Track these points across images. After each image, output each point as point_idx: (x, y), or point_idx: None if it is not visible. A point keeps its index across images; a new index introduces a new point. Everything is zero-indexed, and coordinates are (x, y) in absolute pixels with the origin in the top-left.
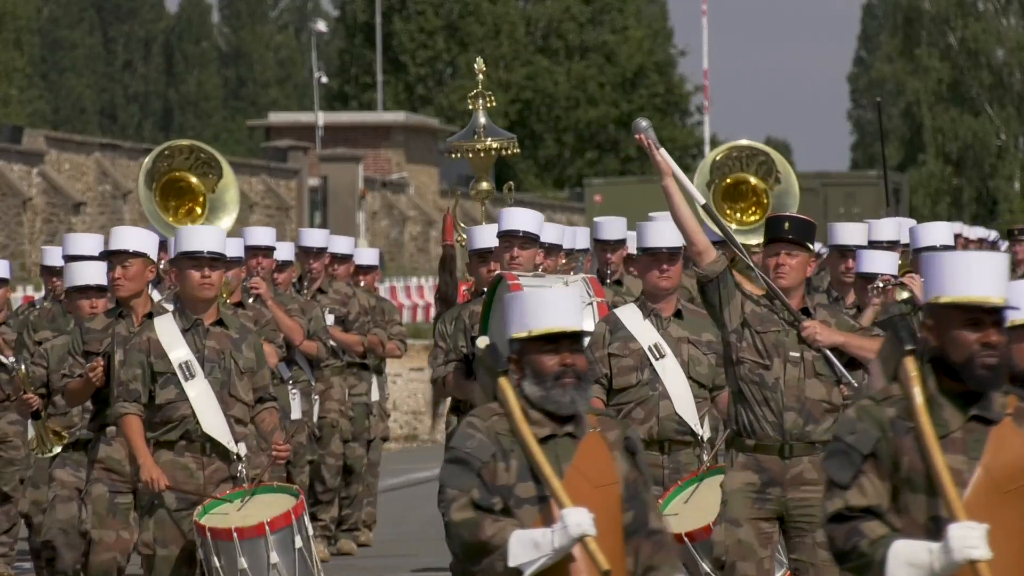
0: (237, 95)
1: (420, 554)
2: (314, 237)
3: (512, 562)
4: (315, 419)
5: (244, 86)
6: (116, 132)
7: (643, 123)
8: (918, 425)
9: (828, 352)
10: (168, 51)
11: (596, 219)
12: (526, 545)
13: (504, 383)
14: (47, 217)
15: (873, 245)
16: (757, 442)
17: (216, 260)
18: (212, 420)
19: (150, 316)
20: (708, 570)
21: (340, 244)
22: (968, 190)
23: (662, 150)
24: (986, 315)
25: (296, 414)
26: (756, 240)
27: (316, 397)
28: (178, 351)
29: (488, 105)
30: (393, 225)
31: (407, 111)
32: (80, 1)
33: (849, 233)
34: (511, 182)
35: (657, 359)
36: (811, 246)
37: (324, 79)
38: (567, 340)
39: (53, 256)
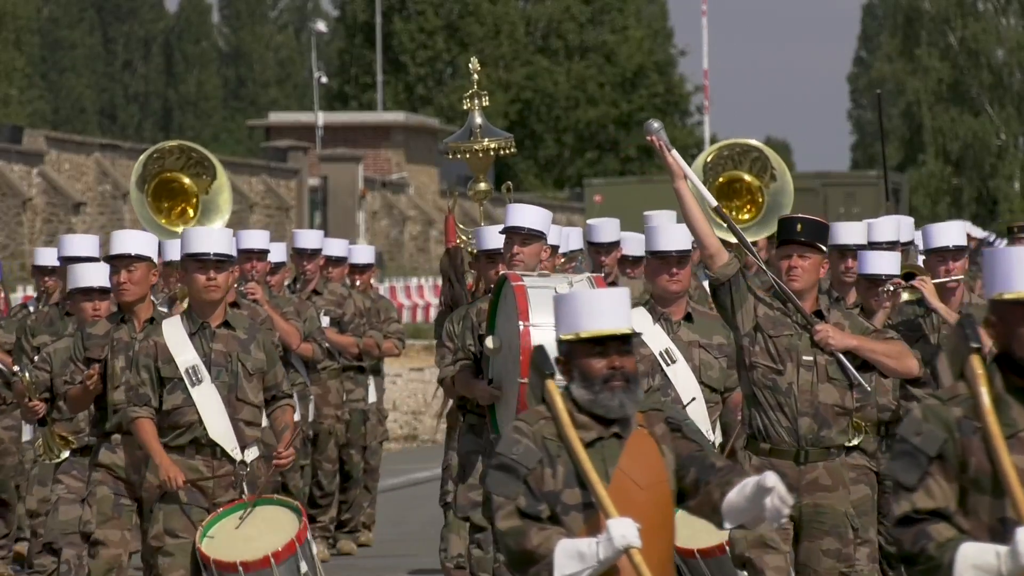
0: (237, 95)
1: (420, 554)
2: (308, 239)
3: (557, 573)
4: (310, 422)
5: (244, 86)
6: (116, 132)
7: (655, 125)
8: (985, 425)
9: (841, 356)
10: (168, 51)
11: (589, 221)
12: (571, 556)
13: (551, 386)
14: (47, 217)
15: (872, 245)
16: (772, 447)
17: (222, 262)
18: (218, 426)
19: (152, 321)
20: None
21: (334, 247)
22: (968, 190)
23: (674, 152)
24: None
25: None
26: (751, 238)
27: (311, 399)
28: (185, 356)
29: (483, 105)
30: (393, 225)
31: (407, 111)
32: (80, 1)
33: (849, 233)
34: (509, 182)
35: (668, 365)
36: (824, 248)
37: (324, 79)
38: (615, 342)
39: (45, 256)
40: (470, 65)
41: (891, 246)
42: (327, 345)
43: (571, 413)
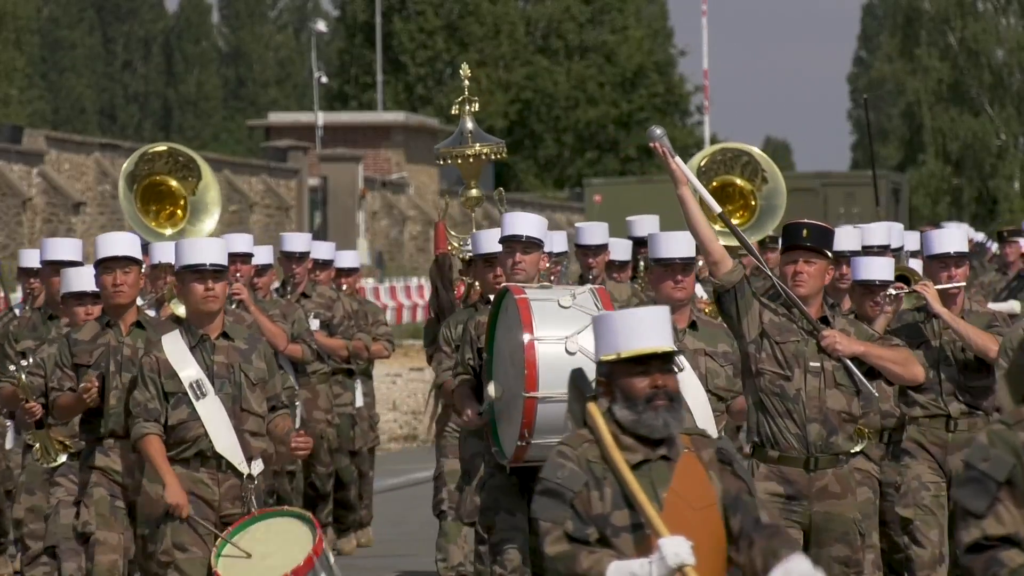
0: (237, 95)
1: (420, 554)
2: (296, 242)
3: None
4: (298, 427)
5: (244, 86)
6: (116, 132)
7: (658, 131)
8: None
9: (848, 362)
10: (168, 51)
11: (578, 224)
12: None
13: (593, 409)
14: (47, 217)
15: (865, 251)
16: (781, 454)
17: (219, 272)
18: (224, 439)
19: (138, 325)
20: None
21: (321, 250)
22: (968, 190)
23: (677, 158)
24: None
25: None
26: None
27: (299, 404)
28: (188, 370)
29: (473, 110)
30: (393, 225)
31: (407, 111)
32: (80, 1)
33: (843, 239)
34: (501, 188)
35: (675, 374)
36: (829, 253)
37: (324, 79)
38: (657, 360)
39: (31, 258)
40: (460, 71)
41: (883, 251)
42: (315, 347)
43: (615, 435)
